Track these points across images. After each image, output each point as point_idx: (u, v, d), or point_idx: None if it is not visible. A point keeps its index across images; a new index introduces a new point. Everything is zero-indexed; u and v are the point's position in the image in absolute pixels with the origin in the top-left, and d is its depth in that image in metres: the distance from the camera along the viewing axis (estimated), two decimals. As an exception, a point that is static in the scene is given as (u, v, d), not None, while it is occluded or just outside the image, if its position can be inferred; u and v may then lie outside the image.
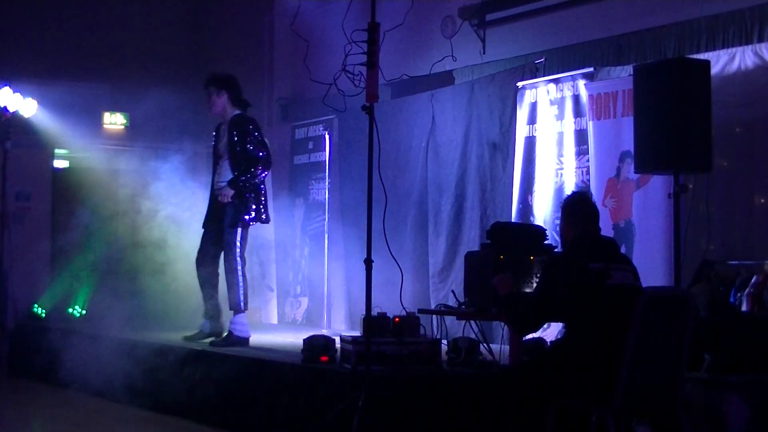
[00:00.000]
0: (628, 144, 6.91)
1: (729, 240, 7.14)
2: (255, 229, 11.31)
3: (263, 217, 7.87)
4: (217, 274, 7.92)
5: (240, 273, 7.73)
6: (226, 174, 7.78)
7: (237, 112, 7.88)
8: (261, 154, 7.75)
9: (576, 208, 5.09)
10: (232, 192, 7.68)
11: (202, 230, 8.00)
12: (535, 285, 5.85)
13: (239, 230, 7.72)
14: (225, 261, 7.79)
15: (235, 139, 7.75)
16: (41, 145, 11.54)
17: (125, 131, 13.05)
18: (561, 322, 5.27)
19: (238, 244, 7.72)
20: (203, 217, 8.04)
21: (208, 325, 7.93)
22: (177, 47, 13.45)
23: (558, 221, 7.90)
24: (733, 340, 5.73)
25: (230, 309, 7.74)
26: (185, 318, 8.80)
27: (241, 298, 7.73)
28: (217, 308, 7.93)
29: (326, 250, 9.67)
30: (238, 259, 7.72)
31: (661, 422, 4.91)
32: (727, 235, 7.16)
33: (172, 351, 7.78)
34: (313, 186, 10.66)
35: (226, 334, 7.73)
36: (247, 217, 7.72)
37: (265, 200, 7.90)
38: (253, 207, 7.76)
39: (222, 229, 7.77)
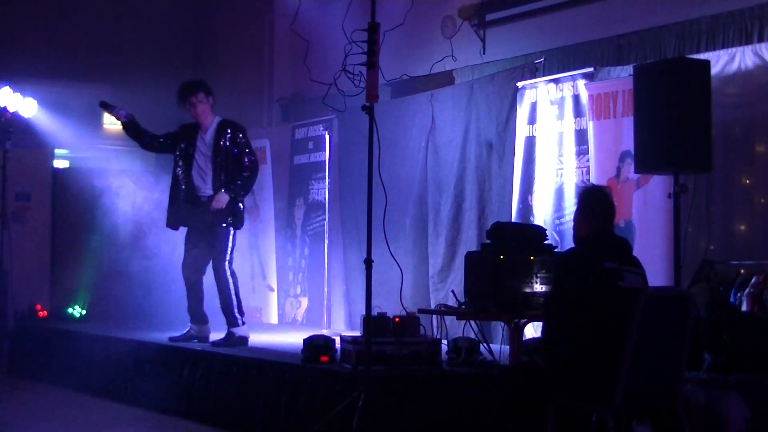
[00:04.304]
0: (628, 144, 6.91)
1: (729, 240, 7.14)
2: (254, 229, 11.34)
3: (242, 222, 7.88)
4: (201, 281, 7.92)
5: (231, 288, 7.73)
6: (211, 180, 7.75)
7: (218, 117, 7.88)
8: (251, 160, 7.75)
9: (594, 203, 5.03)
10: (227, 198, 7.66)
11: (185, 235, 8.00)
12: (535, 285, 5.87)
13: (228, 237, 7.72)
14: (215, 271, 7.79)
15: (227, 144, 7.73)
16: (41, 145, 11.54)
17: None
18: (571, 320, 5.18)
19: (227, 253, 7.73)
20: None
21: (195, 328, 7.95)
22: (177, 47, 13.46)
23: (558, 221, 7.95)
24: (733, 340, 5.73)
25: (228, 327, 7.75)
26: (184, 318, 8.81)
27: (236, 314, 7.75)
28: (202, 312, 7.96)
29: (326, 250, 9.67)
30: (228, 269, 7.72)
31: (661, 422, 4.91)
32: (727, 235, 7.15)
33: (172, 351, 7.78)
34: (313, 186, 10.65)
35: (226, 334, 7.75)
36: (231, 222, 7.72)
37: (244, 206, 7.91)
38: (237, 213, 7.77)
39: (207, 235, 7.76)
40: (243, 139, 7.78)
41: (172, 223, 7.99)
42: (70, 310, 10.53)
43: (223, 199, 7.67)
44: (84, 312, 10.54)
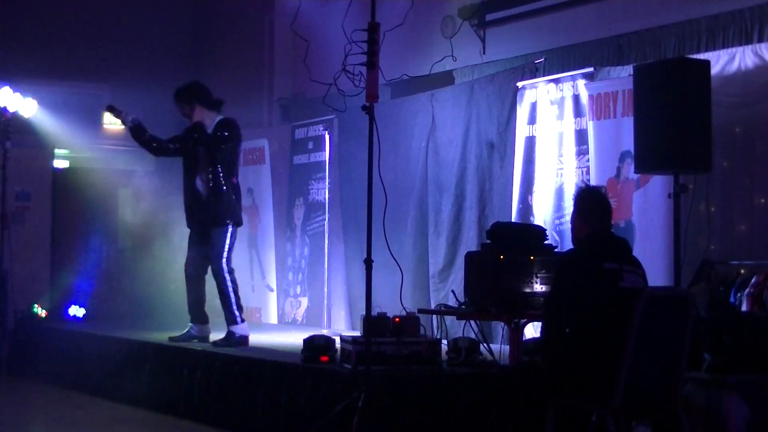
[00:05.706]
0: (628, 144, 6.91)
1: (729, 240, 7.14)
2: (254, 228, 11.33)
3: (239, 220, 7.88)
4: (203, 280, 7.92)
5: (229, 286, 7.73)
6: (205, 177, 7.75)
7: (219, 117, 7.87)
8: (223, 133, 7.73)
9: (592, 204, 5.02)
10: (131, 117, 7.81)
11: (189, 232, 8.00)
12: (535, 285, 5.87)
13: (226, 235, 7.72)
14: (212, 272, 7.81)
15: (219, 142, 7.73)
16: (41, 145, 11.54)
17: (125, 131, 13.05)
18: (571, 321, 5.18)
19: (224, 251, 7.72)
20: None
21: (196, 328, 7.95)
22: (177, 47, 13.45)
23: (558, 221, 7.95)
24: (733, 340, 5.73)
25: (227, 325, 7.75)
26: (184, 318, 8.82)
27: (236, 312, 7.75)
28: (203, 312, 7.96)
29: (326, 250, 9.67)
30: (225, 267, 7.72)
31: (661, 422, 4.91)
32: (727, 235, 7.15)
33: (172, 351, 7.78)
34: (313, 186, 10.65)
35: (226, 334, 7.75)
36: (228, 221, 7.72)
37: (240, 204, 7.91)
38: (233, 211, 7.76)
39: (205, 233, 7.77)
40: (229, 137, 7.76)
41: (187, 223, 8.02)
42: (70, 310, 10.54)
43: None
44: (84, 312, 10.54)
